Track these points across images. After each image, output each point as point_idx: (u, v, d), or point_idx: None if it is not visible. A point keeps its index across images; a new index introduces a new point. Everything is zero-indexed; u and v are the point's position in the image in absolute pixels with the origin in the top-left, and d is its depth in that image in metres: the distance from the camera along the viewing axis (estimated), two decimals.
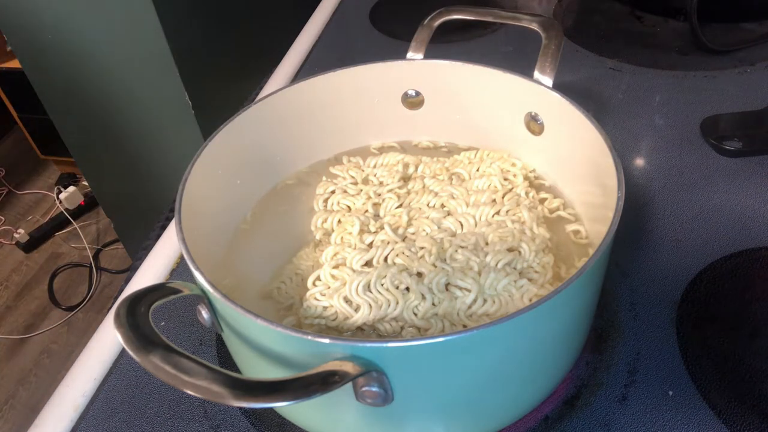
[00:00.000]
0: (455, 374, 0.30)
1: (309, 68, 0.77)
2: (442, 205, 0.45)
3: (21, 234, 1.74)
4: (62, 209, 1.81)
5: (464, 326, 0.37)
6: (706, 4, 0.67)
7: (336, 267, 0.40)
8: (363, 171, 0.50)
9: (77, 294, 1.63)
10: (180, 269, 0.51)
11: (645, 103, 0.63)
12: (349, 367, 0.27)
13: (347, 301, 0.38)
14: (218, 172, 0.43)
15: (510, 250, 0.41)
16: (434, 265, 0.39)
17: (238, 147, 0.45)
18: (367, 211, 0.46)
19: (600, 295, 0.39)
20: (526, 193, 0.45)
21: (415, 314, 0.37)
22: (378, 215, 0.45)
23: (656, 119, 0.61)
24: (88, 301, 1.61)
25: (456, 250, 0.40)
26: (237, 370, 0.39)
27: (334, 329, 0.38)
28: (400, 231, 0.43)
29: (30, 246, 1.75)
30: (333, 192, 0.48)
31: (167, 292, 0.30)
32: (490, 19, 0.48)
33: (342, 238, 0.43)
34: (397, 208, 0.45)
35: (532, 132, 0.47)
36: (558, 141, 0.45)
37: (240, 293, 0.42)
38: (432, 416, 0.33)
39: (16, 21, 0.87)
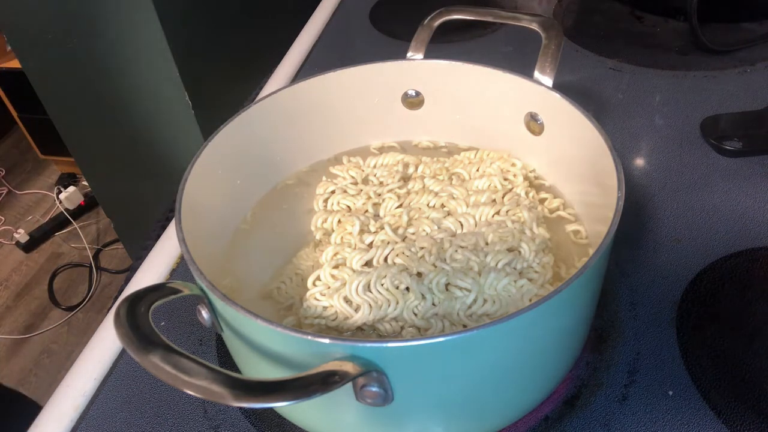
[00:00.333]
0: (455, 374, 0.30)
1: (309, 68, 0.77)
2: (442, 205, 0.45)
3: (21, 234, 1.74)
4: (62, 209, 1.81)
5: (464, 326, 0.37)
6: (706, 4, 0.67)
7: (336, 267, 0.40)
8: (363, 171, 0.50)
9: (77, 294, 1.63)
10: (180, 269, 0.51)
11: (645, 103, 0.63)
12: (349, 367, 0.27)
13: (347, 301, 0.38)
14: (218, 172, 0.43)
15: (510, 250, 0.41)
16: (434, 265, 0.39)
17: (238, 147, 0.45)
18: (367, 211, 0.46)
19: (600, 295, 0.39)
20: (526, 193, 0.45)
21: (415, 314, 0.37)
22: (378, 215, 0.45)
23: (656, 119, 0.61)
24: (88, 301, 1.61)
25: (456, 250, 0.40)
26: (237, 370, 0.39)
27: (334, 329, 0.38)
28: (400, 231, 0.43)
29: (30, 246, 1.75)
30: (333, 192, 0.48)
31: (167, 292, 0.30)
32: (490, 19, 0.48)
33: (342, 238, 0.43)
34: (397, 208, 0.45)
35: (532, 132, 0.47)
36: (558, 141, 0.45)
37: (240, 293, 0.42)
38: (432, 416, 0.33)
39: (16, 21, 0.87)
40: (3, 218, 1.85)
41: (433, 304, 0.37)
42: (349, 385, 0.28)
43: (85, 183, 1.82)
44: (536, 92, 0.44)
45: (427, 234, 0.42)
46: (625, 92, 0.65)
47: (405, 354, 0.27)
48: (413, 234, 0.43)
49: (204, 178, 0.41)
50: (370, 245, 0.42)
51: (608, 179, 0.36)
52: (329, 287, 0.39)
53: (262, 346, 0.31)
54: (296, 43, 0.81)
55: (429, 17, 0.50)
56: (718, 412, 0.37)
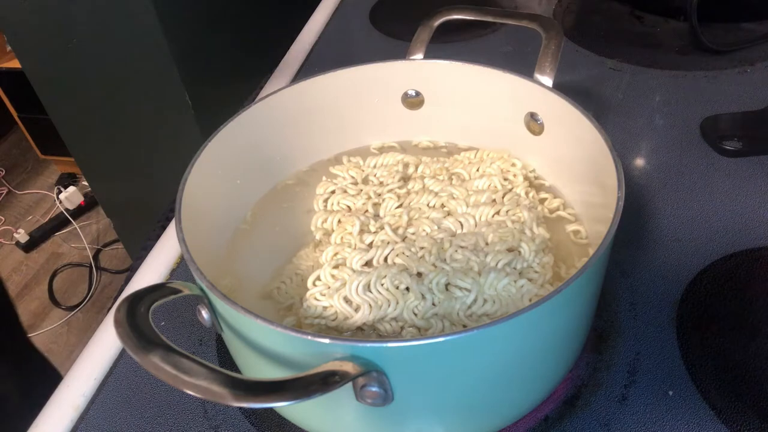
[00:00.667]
0: (455, 374, 0.30)
1: (309, 68, 0.77)
2: (442, 205, 0.45)
3: (21, 234, 1.74)
4: (62, 209, 1.81)
5: (464, 326, 0.37)
6: (706, 4, 0.67)
7: (336, 267, 0.40)
8: (363, 171, 0.50)
9: (77, 294, 1.63)
10: (180, 269, 0.51)
11: (645, 103, 0.63)
12: (349, 367, 0.27)
13: (347, 301, 0.38)
14: (218, 172, 0.43)
15: (510, 250, 0.41)
16: (434, 265, 0.39)
17: (238, 147, 0.45)
18: (367, 211, 0.46)
19: (600, 295, 0.39)
20: (526, 193, 0.45)
21: (415, 314, 0.37)
22: (378, 215, 0.45)
23: (656, 119, 0.61)
24: (88, 301, 1.61)
25: (456, 250, 0.40)
26: (237, 370, 0.39)
27: (334, 329, 0.38)
28: (400, 231, 0.43)
29: (30, 246, 1.75)
30: (333, 192, 0.48)
31: (167, 292, 0.30)
32: (490, 19, 0.48)
33: (342, 238, 0.43)
34: (397, 208, 0.45)
35: (532, 132, 0.47)
36: (558, 141, 0.45)
37: (240, 293, 0.42)
38: (432, 416, 0.33)
39: (16, 21, 0.87)
40: (3, 218, 1.86)
41: (433, 304, 0.37)
42: (349, 385, 0.28)
43: (85, 183, 1.82)
44: (536, 92, 0.44)
45: (427, 234, 0.42)
46: (625, 92, 0.65)
47: (405, 354, 0.27)
48: (413, 234, 0.43)
49: (204, 178, 0.41)
50: (370, 245, 0.42)
51: (608, 179, 0.36)
52: (329, 287, 0.39)
53: (262, 346, 0.31)
54: (296, 43, 0.81)
55: (429, 17, 0.50)
56: (718, 412, 0.37)
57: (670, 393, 0.38)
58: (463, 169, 0.48)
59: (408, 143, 0.54)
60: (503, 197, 0.45)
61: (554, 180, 0.48)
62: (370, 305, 0.37)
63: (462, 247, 0.40)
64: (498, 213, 0.44)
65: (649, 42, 0.74)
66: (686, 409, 0.37)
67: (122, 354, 0.45)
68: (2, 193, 1.94)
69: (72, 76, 0.92)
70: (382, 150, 0.53)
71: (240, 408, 0.40)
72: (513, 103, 0.47)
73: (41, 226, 1.80)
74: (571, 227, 0.44)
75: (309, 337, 0.28)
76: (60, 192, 1.83)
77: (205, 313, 0.33)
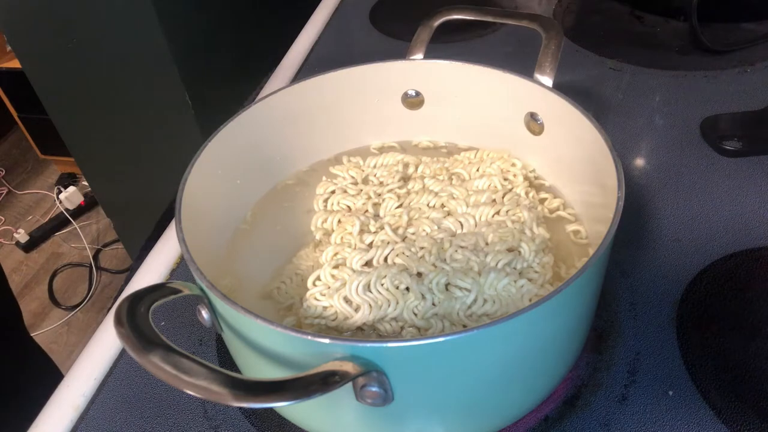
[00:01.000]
0: (455, 374, 0.30)
1: (309, 68, 0.77)
2: (442, 205, 0.45)
3: (21, 234, 1.74)
4: (62, 209, 1.81)
5: (464, 326, 0.37)
6: (706, 4, 0.67)
7: (336, 267, 0.40)
8: (363, 171, 0.50)
9: (77, 294, 1.63)
10: (180, 269, 0.51)
11: (645, 103, 0.63)
12: (349, 367, 0.27)
13: (347, 301, 0.38)
14: (218, 172, 0.43)
15: (510, 250, 0.41)
16: (434, 265, 0.39)
17: (238, 147, 0.45)
18: (367, 211, 0.46)
19: (600, 295, 0.39)
20: (526, 193, 0.45)
21: (415, 314, 0.37)
22: (378, 215, 0.45)
23: (656, 119, 0.61)
24: (88, 301, 1.61)
25: (456, 250, 0.40)
26: (237, 370, 0.39)
27: (334, 329, 0.38)
28: (400, 231, 0.43)
29: (30, 246, 1.75)
30: (333, 192, 0.48)
31: (167, 292, 0.30)
32: (490, 19, 0.48)
33: (342, 238, 0.43)
34: (397, 208, 0.45)
35: (532, 132, 0.47)
36: (558, 141, 0.45)
37: (240, 293, 0.42)
38: (432, 416, 0.33)
39: (16, 21, 0.87)
40: (3, 218, 1.86)
41: (433, 304, 0.37)
42: (349, 385, 0.28)
43: (85, 183, 1.82)
44: (536, 92, 0.44)
45: (427, 234, 0.42)
46: (625, 92, 0.65)
47: (405, 354, 0.27)
48: (413, 234, 0.43)
49: (204, 178, 0.41)
50: (370, 245, 0.42)
51: (608, 179, 0.36)
52: (329, 287, 0.39)
53: (262, 346, 0.31)
54: (296, 43, 0.81)
55: (429, 17, 0.50)
56: (718, 412, 0.37)
57: (670, 393, 0.38)
58: (463, 169, 0.48)
59: (408, 143, 0.54)
60: (503, 197, 0.45)
61: (554, 180, 0.48)
62: (370, 305, 0.37)
63: (462, 247, 0.40)
64: (498, 213, 0.44)
65: (649, 42, 0.74)
66: (686, 409, 0.37)
67: (122, 354, 0.45)
68: (2, 193, 1.94)
69: (72, 76, 0.92)
70: (382, 150, 0.53)
71: (240, 408, 0.40)
72: (513, 103, 0.47)
73: (41, 226, 1.80)
74: (571, 227, 0.44)
75: (309, 337, 0.28)
76: (60, 192, 1.83)
77: (205, 313, 0.33)
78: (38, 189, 1.96)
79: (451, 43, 0.77)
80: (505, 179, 0.47)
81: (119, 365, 0.44)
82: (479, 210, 0.43)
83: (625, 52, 0.71)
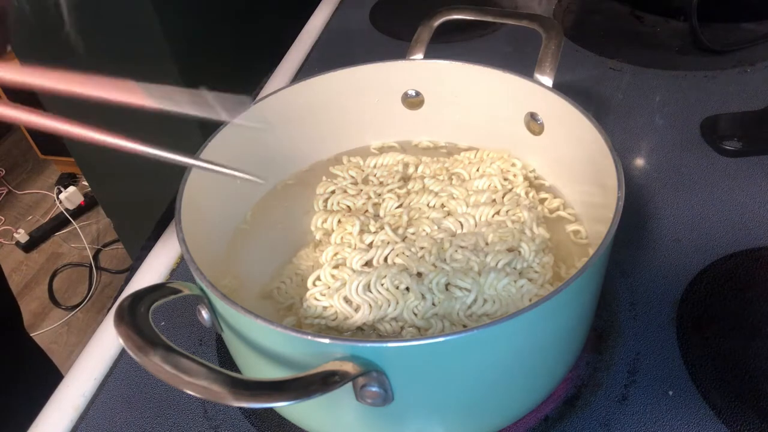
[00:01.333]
0: (455, 374, 0.30)
1: (309, 68, 0.77)
2: (442, 205, 0.45)
3: (21, 234, 1.74)
4: (62, 209, 1.81)
5: (464, 326, 0.37)
6: (706, 4, 0.67)
7: (336, 267, 0.40)
8: (363, 171, 0.50)
9: (77, 294, 1.63)
10: (180, 269, 0.51)
11: (645, 103, 0.63)
12: (349, 367, 0.27)
13: (347, 301, 0.38)
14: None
15: (510, 250, 0.41)
16: (434, 265, 0.39)
17: (238, 147, 0.45)
18: (367, 211, 0.46)
19: (600, 295, 0.39)
20: (526, 193, 0.45)
21: (415, 314, 0.37)
22: (378, 215, 0.45)
23: (656, 119, 0.61)
24: (88, 301, 1.61)
25: (456, 250, 0.40)
26: (237, 370, 0.39)
27: (334, 329, 0.38)
28: (400, 231, 0.43)
29: (30, 246, 1.75)
30: (333, 192, 0.48)
31: (167, 292, 0.30)
32: (490, 19, 0.48)
33: (342, 238, 0.43)
34: (397, 208, 0.45)
35: (532, 132, 0.47)
36: (558, 141, 0.45)
37: (240, 293, 0.42)
38: (432, 416, 0.33)
39: (16, 21, 0.87)
40: (3, 218, 1.86)
41: (433, 304, 0.37)
42: (349, 385, 0.28)
43: (85, 183, 1.82)
44: (536, 92, 0.44)
45: (427, 234, 0.42)
46: (625, 92, 0.65)
47: (405, 354, 0.27)
48: (413, 234, 0.43)
49: (204, 178, 0.41)
50: (370, 245, 0.42)
51: (608, 179, 0.36)
52: (329, 287, 0.39)
53: (262, 346, 0.31)
54: (296, 43, 0.81)
55: (429, 17, 0.50)
56: (718, 412, 0.37)
57: (670, 393, 0.38)
58: (463, 169, 0.48)
59: (408, 143, 0.54)
60: (503, 197, 0.45)
61: (554, 180, 0.48)
62: (370, 305, 0.37)
63: (462, 247, 0.40)
64: (498, 213, 0.44)
65: (649, 42, 0.74)
66: (686, 409, 0.37)
67: (122, 354, 0.45)
68: (2, 193, 1.94)
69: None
70: (382, 150, 0.53)
71: (240, 408, 0.40)
72: (513, 103, 0.47)
73: (41, 226, 1.80)
74: (571, 227, 0.44)
75: (309, 337, 0.28)
76: (60, 192, 1.83)
77: (205, 313, 0.33)
78: (38, 189, 1.96)
79: (451, 43, 0.77)
80: (505, 179, 0.47)
81: (119, 365, 0.44)
82: (479, 210, 0.43)
83: (625, 52, 0.71)
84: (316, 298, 0.39)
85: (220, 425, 0.40)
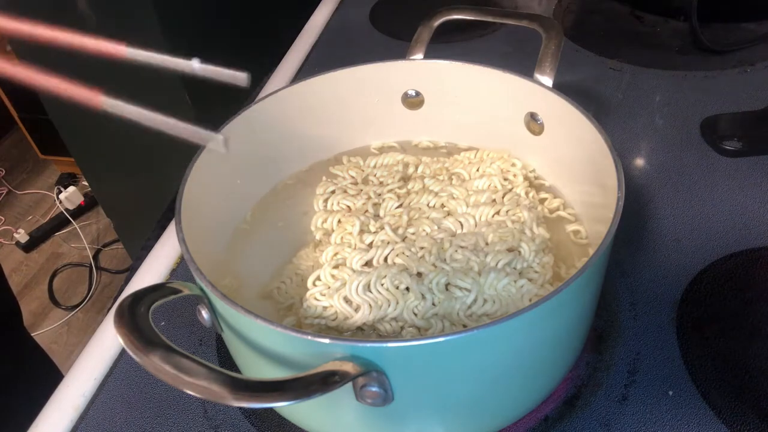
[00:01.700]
0: (455, 374, 0.30)
1: (309, 68, 0.77)
2: (442, 205, 0.45)
3: (21, 234, 1.74)
4: (62, 209, 1.81)
5: (464, 326, 0.37)
6: (706, 4, 0.67)
7: (336, 267, 0.40)
8: (363, 171, 0.50)
9: (77, 294, 1.63)
10: (180, 269, 0.51)
11: (645, 103, 0.63)
12: (349, 367, 0.27)
13: (347, 301, 0.38)
14: (218, 172, 0.43)
15: (510, 250, 0.41)
16: (434, 265, 0.39)
17: (238, 147, 0.45)
18: (367, 211, 0.46)
19: (600, 295, 0.39)
20: (526, 193, 0.45)
21: (415, 314, 0.37)
22: (378, 215, 0.45)
23: (656, 119, 0.61)
24: (88, 301, 1.61)
25: (456, 250, 0.40)
26: (237, 370, 0.39)
27: (334, 329, 0.38)
28: (400, 231, 0.43)
29: (30, 246, 1.75)
30: (333, 192, 0.48)
31: (167, 292, 0.30)
32: (490, 19, 0.48)
33: (342, 238, 0.43)
34: (397, 208, 0.45)
35: (532, 132, 0.47)
36: (558, 141, 0.45)
37: (240, 293, 0.42)
38: (432, 416, 0.33)
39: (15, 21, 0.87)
40: (3, 218, 1.85)
41: (433, 304, 0.37)
42: (349, 385, 0.28)
43: (85, 183, 1.82)
44: (536, 92, 0.44)
45: (427, 234, 0.42)
46: (625, 92, 0.65)
47: (405, 354, 0.27)
48: (413, 234, 0.43)
49: (204, 178, 0.41)
50: (370, 245, 0.42)
51: (608, 179, 0.36)
52: (329, 287, 0.39)
53: (262, 346, 0.31)
54: (296, 43, 0.81)
55: (429, 17, 0.50)
56: (718, 412, 0.37)
57: (670, 393, 0.38)
58: (463, 169, 0.48)
59: (408, 143, 0.54)
60: (503, 197, 0.45)
61: (554, 180, 0.48)
62: (370, 305, 0.37)
63: (462, 247, 0.40)
64: (498, 213, 0.44)
65: (649, 42, 0.74)
66: (686, 409, 0.37)
67: (122, 354, 0.45)
68: (2, 193, 1.94)
69: (72, 75, 0.92)
70: (382, 150, 0.53)
71: (240, 408, 0.40)
72: (513, 103, 0.47)
73: (41, 226, 1.80)
74: (571, 227, 0.44)
75: (309, 337, 0.28)
76: (60, 192, 1.83)
77: (205, 313, 0.33)
78: (38, 189, 1.96)
79: (451, 43, 0.77)
80: (505, 179, 0.47)
81: (119, 365, 0.44)
82: (479, 210, 0.43)
83: (625, 52, 0.71)
84: (316, 298, 0.39)
85: (220, 425, 0.40)
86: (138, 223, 1.17)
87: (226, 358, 0.43)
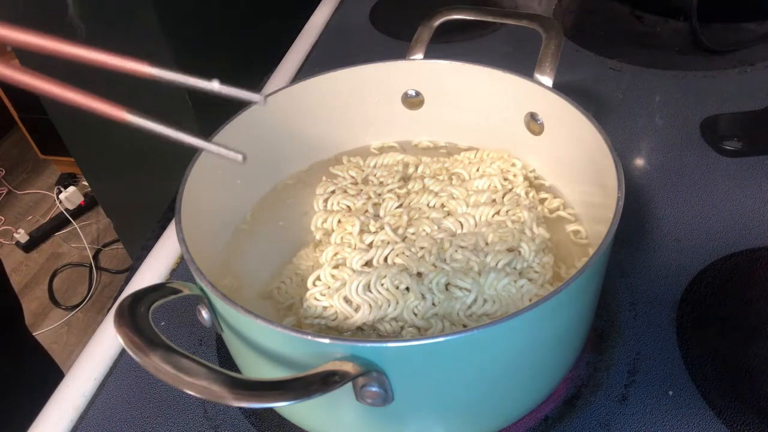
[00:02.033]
0: (455, 374, 0.30)
1: (309, 68, 0.77)
2: (442, 205, 0.45)
3: (21, 234, 1.74)
4: (62, 209, 1.81)
5: (464, 326, 0.37)
6: (706, 4, 0.67)
7: (336, 267, 0.40)
8: (363, 171, 0.50)
9: (77, 294, 1.63)
10: (180, 269, 0.51)
11: (645, 103, 0.63)
12: (349, 367, 0.27)
13: (347, 301, 0.38)
14: (218, 172, 0.43)
15: (510, 250, 0.41)
16: (434, 265, 0.39)
17: (238, 147, 0.45)
18: (367, 211, 0.46)
19: (600, 295, 0.39)
20: (526, 193, 0.45)
21: (415, 314, 0.37)
22: (378, 215, 0.45)
23: (656, 119, 0.61)
24: (88, 301, 1.61)
25: (456, 250, 0.40)
26: (237, 370, 0.39)
27: (334, 329, 0.38)
28: (400, 231, 0.43)
29: (30, 246, 1.75)
30: (333, 192, 0.48)
31: (167, 292, 0.30)
32: (490, 19, 0.48)
33: (342, 238, 0.43)
34: (397, 208, 0.45)
35: (532, 132, 0.47)
36: (558, 141, 0.45)
37: (240, 293, 0.42)
38: (432, 416, 0.33)
39: (15, 21, 0.87)
40: (3, 218, 1.85)
41: (433, 304, 0.37)
42: (349, 385, 0.28)
43: (85, 183, 1.82)
44: (536, 92, 0.44)
45: (427, 234, 0.42)
46: (625, 92, 0.65)
47: (405, 354, 0.27)
48: (413, 234, 0.43)
49: (204, 178, 0.41)
50: (370, 245, 0.42)
51: (608, 179, 0.36)
52: (329, 287, 0.39)
53: (262, 346, 0.31)
54: (296, 43, 0.81)
55: (429, 17, 0.50)
56: (718, 412, 0.37)
57: (670, 393, 0.38)
58: (463, 169, 0.48)
59: (408, 143, 0.54)
60: (503, 197, 0.45)
61: (554, 180, 0.48)
62: (370, 305, 0.37)
63: (462, 247, 0.40)
64: (498, 213, 0.44)
65: (649, 42, 0.74)
66: (686, 409, 0.37)
67: (122, 354, 0.45)
68: (2, 193, 1.94)
69: (71, 75, 0.92)
70: (382, 150, 0.53)
71: (240, 408, 0.40)
72: (513, 103, 0.47)
73: (41, 226, 1.80)
74: (571, 227, 0.44)
75: (309, 337, 0.28)
76: (60, 192, 1.83)
77: (205, 313, 0.33)
78: (38, 189, 1.96)
79: (451, 43, 0.77)
80: (505, 179, 0.47)
81: (119, 365, 0.44)
82: (479, 210, 0.43)
83: (625, 52, 0.71)
84: (316, 298, 0.39)
85: (220, 425, 0.40)
86: (138, 223, 1.16)
87: (226, 358, 0.43)
